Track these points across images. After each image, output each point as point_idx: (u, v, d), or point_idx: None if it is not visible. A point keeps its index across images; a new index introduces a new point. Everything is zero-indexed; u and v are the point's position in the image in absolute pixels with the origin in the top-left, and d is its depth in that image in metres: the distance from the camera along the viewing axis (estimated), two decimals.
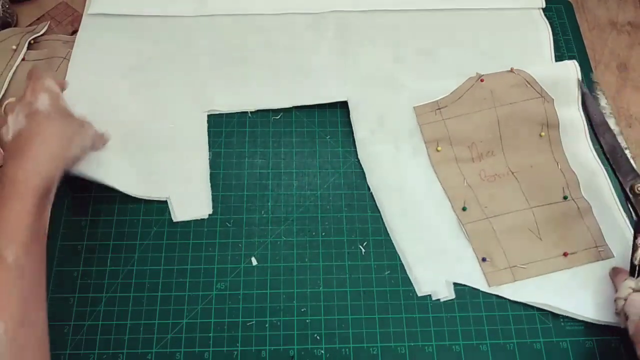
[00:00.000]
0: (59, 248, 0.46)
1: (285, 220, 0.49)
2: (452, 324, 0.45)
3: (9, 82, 0.52)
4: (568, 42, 0.59)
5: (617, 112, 0.56)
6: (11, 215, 0.35)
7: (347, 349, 0.44)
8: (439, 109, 0.52)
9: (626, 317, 0.40)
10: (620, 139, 0.45)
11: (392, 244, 0.48)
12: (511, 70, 0.52)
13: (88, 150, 0.43)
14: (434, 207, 0.49)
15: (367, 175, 0.51)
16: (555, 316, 0.45)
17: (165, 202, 0.48)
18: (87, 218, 0.48)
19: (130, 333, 0.43)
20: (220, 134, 0.52)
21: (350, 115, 0.53)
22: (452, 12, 0.59)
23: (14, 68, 0.52)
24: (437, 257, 0.47)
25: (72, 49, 0.54)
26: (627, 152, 0.45)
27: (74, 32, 0.57)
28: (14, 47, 0.53)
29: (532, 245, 0.48)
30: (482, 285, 0.46)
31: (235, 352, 0.43)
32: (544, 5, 0.60)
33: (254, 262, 0.47)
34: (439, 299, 0.46)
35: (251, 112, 0.53)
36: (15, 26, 0.57)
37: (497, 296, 0.46)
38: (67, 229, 0.47)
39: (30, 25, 0.58)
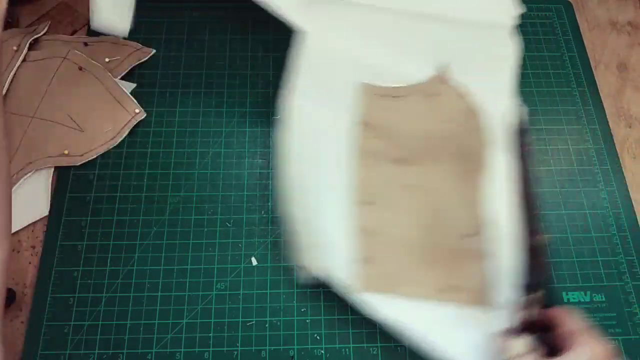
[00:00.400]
0: (59, 248, 0.46)
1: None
2: None
3: (10, 83, 0.52)
4: (568, 42, 0.59)
5: (617, 112, 0.56)
6: None
7: (347, 349, 0.44)
8: (388, 96, 0.48)
9: None
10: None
11: None
12: (462, 96, 0.49)
13: None
14: (338, 192, 0.46)
15: (285, 130, 0.45)
16: None
17: (165, 202, 0.49)
18: (87, 218, 0.48)
19: (130, 333, 0.44)
20: (220, 134, 0.52)
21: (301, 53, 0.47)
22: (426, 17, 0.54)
23: (15, 69, 0.52)
24: (317, 241, 0.44)
25: (72, 49, 0.54)
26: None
27: (74, 32, 0.57)
28: (15, 48, 0.53)
29: (419, 266, 0.44)
30: (352, 286, 0.43)
31: (235, 352, 0.43)
32: (518, 22, 0.55)
33: (254, 262, 0.47)
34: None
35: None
36: (15, 27, 0.58)
37: None
38: (67, 229, 0.47)
39: (30, 25, 0.58)
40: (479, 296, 0.43)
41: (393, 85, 0.49)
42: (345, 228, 0.44)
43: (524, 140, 0.46)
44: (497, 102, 0.49)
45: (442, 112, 0.49)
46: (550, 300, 0.37)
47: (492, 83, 0.51)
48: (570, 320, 0.36)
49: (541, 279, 0.37)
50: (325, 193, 0.45)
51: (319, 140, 0.47)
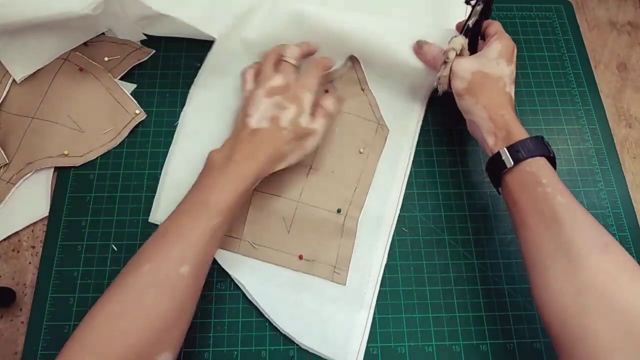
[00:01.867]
0: (59, 248, 0.46)
1: None
2: (452, 324, 0.45)
3: (9, 89, 0.52)
4: (568, 42, 0.59)
5: (617, 112, 0.56)
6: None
7: None
8: None
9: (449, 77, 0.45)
10: None
11: (393, 244, 0.48)
12: (362, 90, 0.52)
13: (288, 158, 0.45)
14: None
15: (186, 107, 0.52)
16: None
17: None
18: (87, 218, 0.48)
19: None
20: None
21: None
22: None
23: None
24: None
25: (72, 50, 0.54)
26: None
27: None
28: None
29: (276, 232, 0.47)
30: None
31: (235, 352, 0.43)
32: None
33: None
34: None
35: None
36: None
37: (498, 296, 0.46)
38: (67, 228, 0.47)
39: None
40: (330, 271, 0.46)
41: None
42: None
43: None
44: (395, 97, 0.53)
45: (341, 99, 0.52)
46: (486, 17, 0.48)
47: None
48: (493, 25, 0.48)
49: None
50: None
51: (215, 116, 0.51)
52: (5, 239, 0.47)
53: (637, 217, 0.50)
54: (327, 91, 0.51)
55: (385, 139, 0.51)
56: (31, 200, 0.48)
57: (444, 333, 0.45)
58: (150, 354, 0.34)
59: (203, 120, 0.52)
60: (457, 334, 0.45)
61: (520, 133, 0.41)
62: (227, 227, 0.41)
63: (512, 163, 0.40)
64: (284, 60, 0.47)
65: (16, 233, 0.47)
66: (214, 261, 0.45)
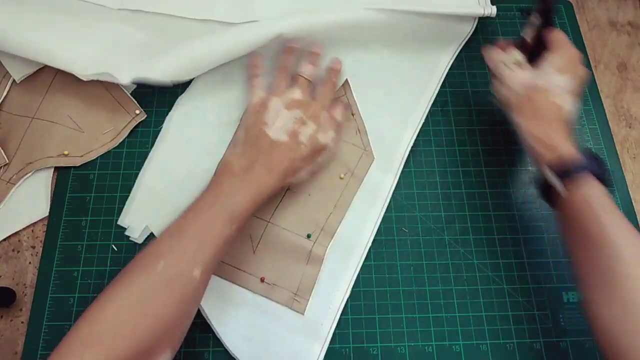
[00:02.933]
0: (59, 248, 0.46)
1: None
2: (452, 324, 0.45)
3: (9, 89, 0.52)
4: None
5: (617, 112, 0.56)
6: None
7: (347, 349, 0.44)
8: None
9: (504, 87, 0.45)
10: None
11: (393, 244, 0.48)
12: (352, 114, 0.51)
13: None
14: (204, 176, 0.48)
15: (172, 112, 0.52)
16: (555, 316, 0.45)
17: None
18: (87, 218, 0.48)
19: None
20: None
21: None
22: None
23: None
24: (159, 207, 0.47)
25: None
26: None
27: None
28: None
29: (242, 251, 0.45)
30: None
31: None
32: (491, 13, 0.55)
33: None
34: (135, 239, 0.47)
35: None
36: None
37: (498, 296, 0.46)
38: (67, 229, 0.47)
39: None
40: (290, 298, 0.44)
41: None
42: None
43: None
44: (385, 126, 0.52)
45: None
46: (546, 25, 0.45)
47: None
48: (553, 33, 0.45)
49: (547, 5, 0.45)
50: (196, 175, 0.48)
51: (202, 127, 0.51)
52: (5, 239, 0.47)
53: (637, 217, 0.50)
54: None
55: (369, 167, 0.50)
56: (31, 200, 0.48)
57: (444, 333, 0.45)
58: (153, 351, 0.34)
59: (188, 130, 0.51)
60: (457, 334, 0.45)
61: (569, 152, 0.40)
62: (236, 238, 0.41)
63: (565, 191, 0.39)
64: (300, 76, 0.48)
65: (16, 233, 0.47)
66: None
